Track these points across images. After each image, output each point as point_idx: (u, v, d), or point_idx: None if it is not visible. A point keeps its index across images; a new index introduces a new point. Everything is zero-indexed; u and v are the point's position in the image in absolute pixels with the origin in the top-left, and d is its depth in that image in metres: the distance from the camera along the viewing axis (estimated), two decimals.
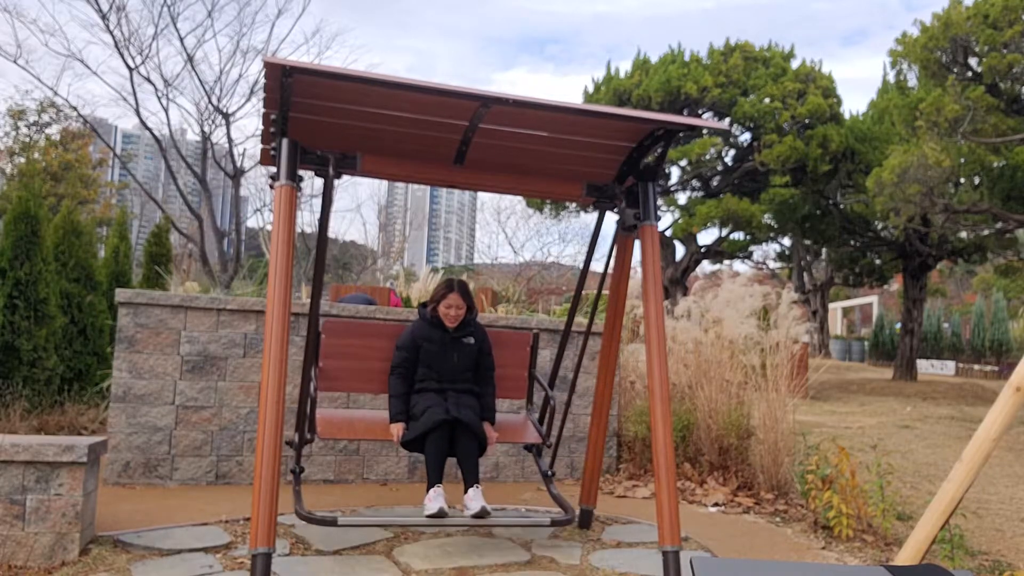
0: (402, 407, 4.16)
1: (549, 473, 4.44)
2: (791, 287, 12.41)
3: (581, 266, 4.88)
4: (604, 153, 3.88)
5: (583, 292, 4.64)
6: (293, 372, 5.36)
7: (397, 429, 4.09)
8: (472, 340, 4.32)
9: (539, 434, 4.47)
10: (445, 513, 3.73)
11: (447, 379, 4.21)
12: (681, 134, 7.01)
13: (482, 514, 3.78)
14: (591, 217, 24.99)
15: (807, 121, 18.78)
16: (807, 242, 23.68)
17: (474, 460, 4.03)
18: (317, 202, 20.69)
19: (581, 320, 6.41)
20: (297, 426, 4.21)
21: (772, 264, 32.69)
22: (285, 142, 3.37)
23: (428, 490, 3.85)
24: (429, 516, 3.72)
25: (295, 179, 3.36)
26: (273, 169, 3.39)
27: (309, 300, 4.94)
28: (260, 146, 3.60)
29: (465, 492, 3.92)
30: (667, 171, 20.55)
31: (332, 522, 3.64)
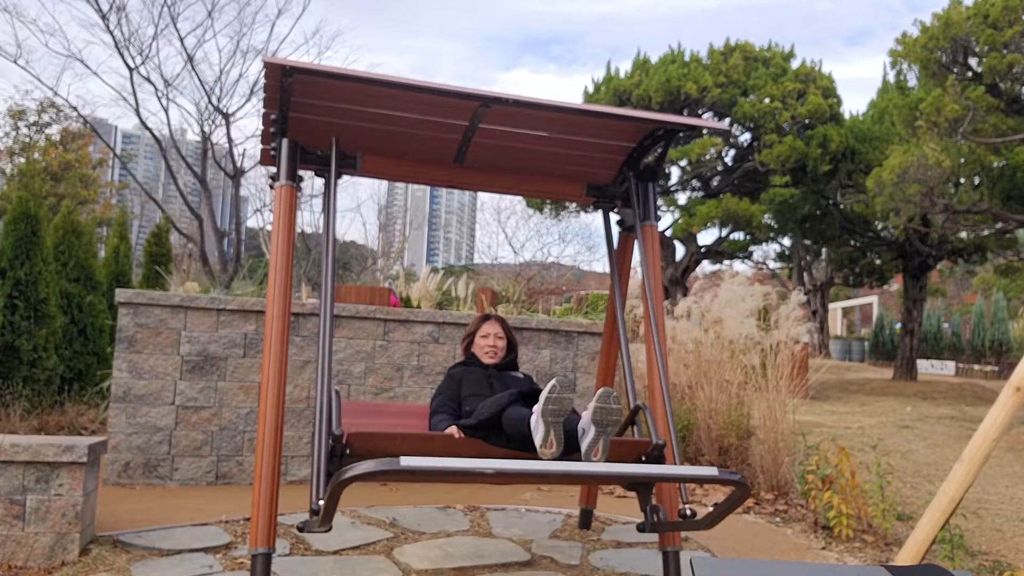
0: (451, 422, 3.34)
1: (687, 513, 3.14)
2: (800, 289, 12.40)
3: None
4: (604, 153, 3.89)
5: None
6: (293, 372, 5.36)
7: (454, 430, 3.19)
8: (521, 375, 3.67)
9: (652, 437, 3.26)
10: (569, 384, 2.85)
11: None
12: (681, 134, 7.01)
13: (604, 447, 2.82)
14: (591, 217, 25.03)
15: (807, 121, 18.78)
16: (807, 242, 23.67)
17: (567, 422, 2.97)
18: (317, 202, 20.73)
19: (582, 320, 6.41)
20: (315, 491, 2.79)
21: (772, 264, 32.66)
22: (285, 142, 3.37)
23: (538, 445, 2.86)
24: (546, 401, 2.82)
25: (295, 179, 3.37)
26: (273, 169, 3.40)
27: (309, 300, 4.86)
28: (260, 146, 3.60)
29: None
30: (667, 171, 20.55)
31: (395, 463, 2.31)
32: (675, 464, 3.17)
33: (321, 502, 2.57)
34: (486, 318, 3.82)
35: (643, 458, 3.18)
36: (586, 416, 2.88)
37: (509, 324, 3.88)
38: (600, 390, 2.85)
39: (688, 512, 3.08)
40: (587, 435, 2.86)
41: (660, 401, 3.42)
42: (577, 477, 2.97)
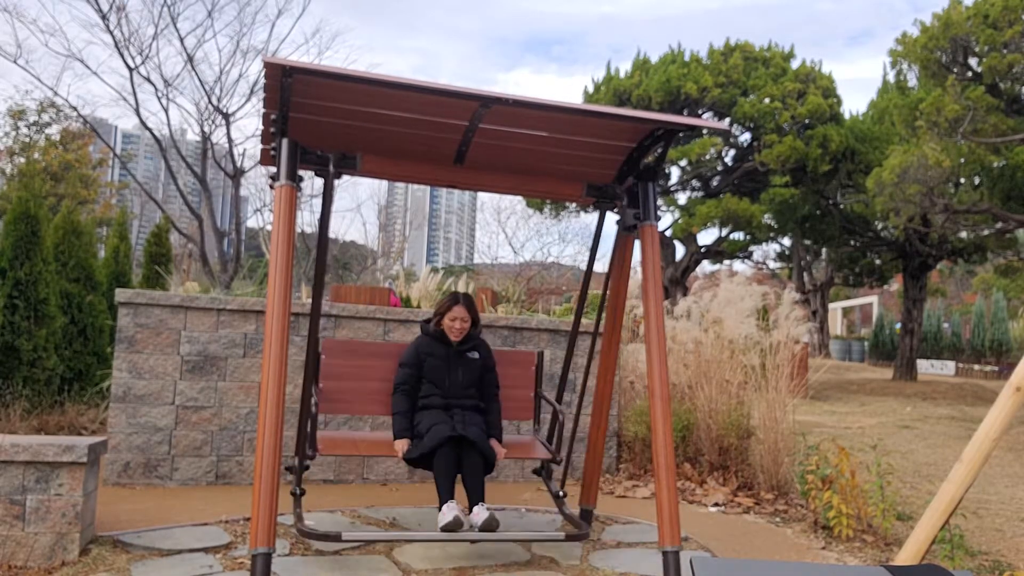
0: (406, 424, 4.09)
1: (560, 494, 4.39)
2: (792, 287, 12.42)
3: (581, 266, 4.87)
4: (604, 153, 3.88)
5: (588, 292, 4.58)
6: (293, 372, 5.36)
7: (401, 445, 4.01)
8: (477, 355, 4.27)
9: (548, 451, 4.37)
10: (460, 522, 3.65)
11: (452, 395, 4.14)
12: (681, 134, 7.01)
13: (490, 524, 3.70)
14: (591, 217, 25.01)
15: (807, 121, 18.79)
16: (807, 242, 23.68)
17: (480, 478, 3.93)
18: (317, 202, 20.70)
19: (582, 320, 6.40)
20: (297, 448, 4.08)
21: (772, 264, 32.67)
22: (285, 142, 3.37)
23: (440, 507, 3.78)
24: (444, 527, 3.64)
25: (295, 179, 3.36)
26: (273, 169, 3.39)
27: (310, 300, 4.93)
28: (260, 146, 3.60)
29: (470, 511, 3.83)
30: (667, 171, 20.55)
31: (336, 537, 3.56)
32: (561, 476, 4.48)
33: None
34: (456, 301, 4.24)
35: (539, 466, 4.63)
36: (477, 519, 3.73)
37: (473, 302, 4.32)
38: (487, 517, 3.69)
39: (560, 493, 4.41)
40: (473, 529, 3.73)
41: (659, 401, 3.42)
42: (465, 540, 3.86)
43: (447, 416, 4.04)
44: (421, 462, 3.97)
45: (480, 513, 3.74)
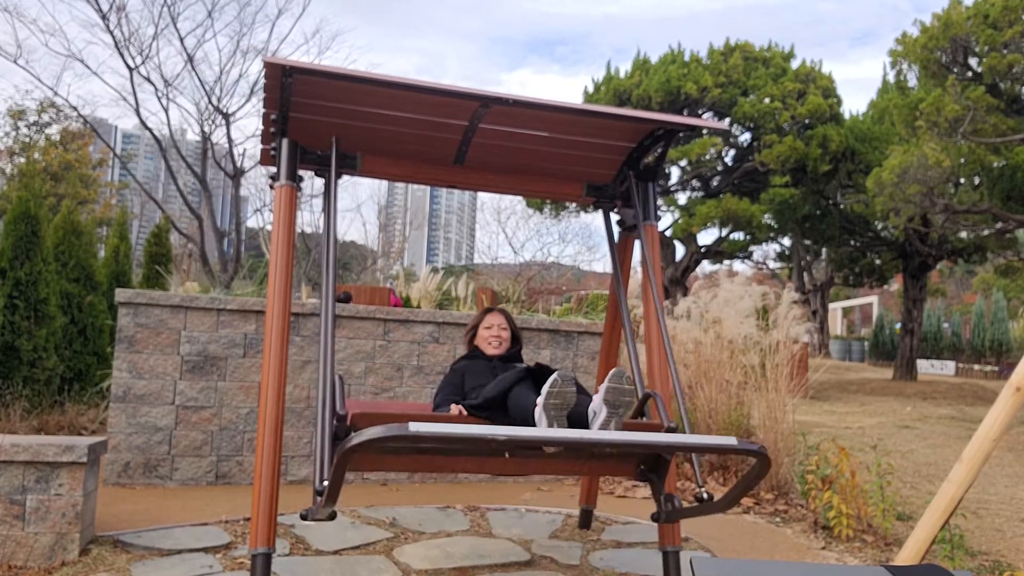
0: (452, 396, 3.32)
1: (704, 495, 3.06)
2: (791, 287, 12.41)
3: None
4: (604, 153, 3.89)
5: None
6: (293, 372, 5.36)
7: (456, 408, 3.14)
8: (527, 367, 3.35)
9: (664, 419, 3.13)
10: (570, 378, 2.77)
11: None
12: (681, 134, 7.01)
13: (618, 398, 2.75)
14: (591, 217, 25.04)
15: (807, 121, 18.79)
16: (807, 242, 23.68)
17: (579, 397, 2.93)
18: (317, 202, 20.72)
19: (582, 320, 6.41)
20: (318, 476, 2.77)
21: (772, 264, 32.68)
22: (285, 142, 3.37)
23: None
24: (549, 393, 2.75)
25: (295, 179, 3.37)
26: (273, 169, 3.39)
27: (309, 300, 4.88)
28: (260, 146, 3.60)
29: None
30: (667, 171, 20.55)
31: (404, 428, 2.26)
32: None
33: (326, 482, 2.53)
34: (489, 310, 3.77)
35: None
36: (597, 398, 2.82)
37: (513, 318, 3.80)
38: (612, 371, 2.78)
39: (705, 496, 2.99)
40: (599, 416, 2.79)
41: (667, 397, 3.41)
42: (591, 443, 2.84)
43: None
44: (490, 409, 3.05)
45: (599, 391, 2.82)
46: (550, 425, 2.77)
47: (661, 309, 3.56)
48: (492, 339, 3.61)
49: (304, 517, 2.77)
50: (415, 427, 2.20)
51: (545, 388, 2.77)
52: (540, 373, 3.08)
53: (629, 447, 2.96)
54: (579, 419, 2.90)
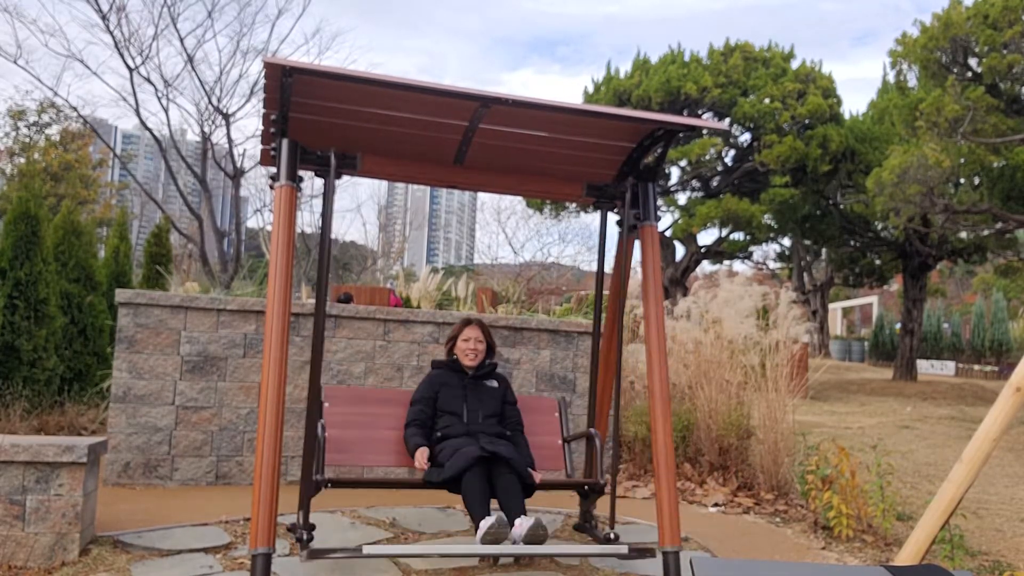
0: (423, 436, 3.81)
1: (612, 536, 3.64)
2: (790, 287, 12.42)
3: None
4: (604, 153, 3.88)
5: (603, 294, 4.43)
6: (293, 372, 5.36)
7: (422, 454, 3.68)
8: (495, 383, 4.05)
9: (594, 476, 3.92)
10: (505, 525, 3.24)
11: (472, 424, 3.86)
12: (681, 134, 7.01)
13: (536, 534, 3.27)
14: (591, 217, 25.03)
15: (807, 121, 18.79)
16: (807, 242, 23.68)
17: (519, 499, 3.53)
18: (317, 202, 20.74)
19: (582, 320, 6.41)
20: (303, 475, 3.44)
21: (772, 264, 32.68)
22: (285, 142, 3.37)
23: (477, 524, 3.36)
24: (485, 536, 3.22)
25: (295, 179, 3.36)
26: (273, 169, 3.39)
27: (309, 300, 4.89)
28: (260, 146, 3.60)
29: (511, 524, 3.37)
30: (667, 171, 20.55)
31: (358, 551, 3.15)
32: (612, 493, 3.77)
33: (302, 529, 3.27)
34: (468, 323, 4.12)
35: (583, 489, 4.05)
36: (518, 531, 3.32)
37: (488, 327, 4.15)
38: (533, 520, 3.32)
39: (611, 536, 3.64)
40: (516, 544, 3.34)
41: (659, 401, 3.42)
42: (511, 554, 3.53)
43: (473, 440, 3.73)
44: (447, 486, 3.60)
45: (523, 523, 3.31)
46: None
47: (660, 311, 3.56)
48: (469, 351, 4.05)
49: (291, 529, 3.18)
50: (368, 550, 3.18)
51: (483, 528, 3.24)
52: (492, 459, 3.62)
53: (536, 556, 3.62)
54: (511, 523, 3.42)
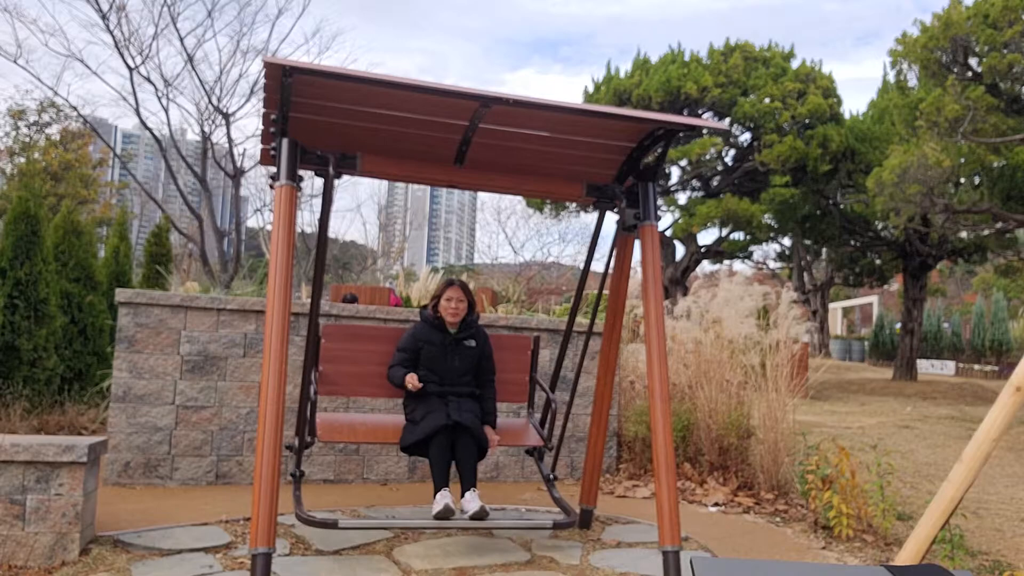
0: (405, 369, 4.20)
1: (551, 476, 4.45)
2: (790, 286, 12.42)
3: (581, 266, 4.89)
4: (604, 153, 3.88)
5: (584, 292, 4.64)
6: (293, 372, 5.36)
7: (412, 377, 4.09)
8: (474, 343, 4.32)
9: (540, 437, 4.49)
10: (452, 511, 3.74)
11: (448, 382, 4.22)
12: (681, 134, 7.02)
13: (480, 514, 3.79)
14: (591, 217, 25.00)
15: (807, 121, 18.78)
16: (807, 242, 23.68)
17: (472, 463, 4.05)
18: (317, 202, 20.67)
19: (582, 320, 6.41)
20: (297, 429, 4.16)
21: (772, 264, 32.69)
22: (285, 142, 3.37)
23: (435, 494, 3.88)
24: (436, 515, 3.75)
25: (295, 179, 3.36)
26: (273, 169, 3.39)
27: (309, 300, 4.93)
28: (260, 146, 3.60)
29: (462, 496, 3.92)
30: (667, 171, 20.55)
31: (332, 524, 3.67)
32: (552, 462, 4.58)
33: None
34: (450, 283, 4.34)
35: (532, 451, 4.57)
36: (469, 507, 3.83)
37: (468, 287, 4.37)
38: (479, 507, 3.79)
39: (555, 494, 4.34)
40: (464, 515, 3.83)
41: (659, 401, 3.42)
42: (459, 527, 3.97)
43: (442, 404, 4.12)
44: (417, 449, 4.09)
45: (471, 501, 3.85)
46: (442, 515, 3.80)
47: (660, 310, 3.56)
48: (450, 310, 4.25)
49: (300, 518, 3.21)
50: (344, 523, 3.75)
51: (435, 509, 3.79)
52: (456, 427, 4.03)
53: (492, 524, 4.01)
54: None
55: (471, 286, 9.63)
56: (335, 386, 4.40)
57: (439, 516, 3.75)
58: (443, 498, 3.80)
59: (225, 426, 5.32)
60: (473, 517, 3.78)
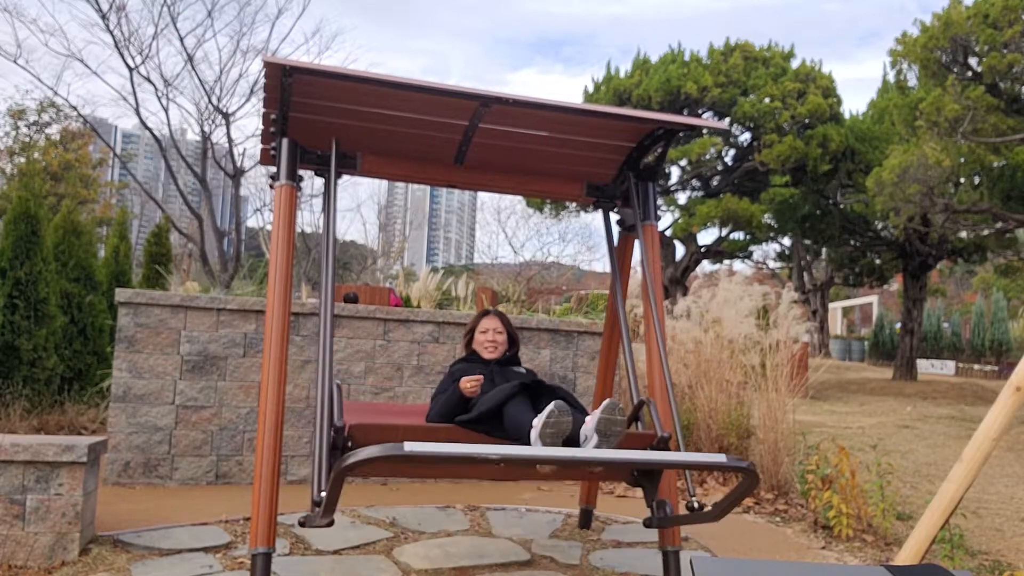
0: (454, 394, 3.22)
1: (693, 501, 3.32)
2: (791, 286, 12.41)
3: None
4: (604, 153, 3.88)
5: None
6: (293, 372, 5.36)
7: (467, 380, 3.16)
8: (524, 370, 3.57)
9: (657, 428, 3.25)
10: (566, 408, 2.80)
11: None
12: (681, 134, 7.01)
13: (612, 418, 2.80)
14: (591, 217, 25.03)
15: (807, 121, 18.78)
16: (807, 242, 23.69)
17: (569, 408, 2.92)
18: (317, 202, 20.71)
19: (582, 320, 6.42)
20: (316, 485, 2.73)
21: (772, 264, 32.69)
22: (285, 142, 3.37)
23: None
24: (543, 428, 2.77)
25: (295, 179, 3.36)
26: (273, 169, 3.39)
27: (309, 300, 4.87)
28: (260, 146, 3.60)
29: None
30: (667, 171, 20.56)
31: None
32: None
33: (323, 494, 2.53)
34: (485, 313, 3.74)
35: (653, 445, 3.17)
36: (589, 424, 2.87)
37: (509, 319, 3.79)
38: (606, 402, 2.83)
39: (696, 505, 3.10)
40: (590, 441, 2.86)
41: (663, 398, 3.42)
42: (583, 463, 2.79)
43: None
44: (483, 422, 3.04)
45: (592, 418, 2.89)
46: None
47: (660, 310, 3.56)
48: (488, 344, 3.60)
49: (302, 524, 2.79)
50: (410, 447, 2.22)
51: (542, 417, 2.79)
52: (536, 388, 3.12)
53: (620, 465, 3.01)
54: (572, 442, 2.90)
55: (471, 287, 9.65)
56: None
57: (548, 424, 2.76)
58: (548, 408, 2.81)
59: (225, 426, 5.32)
60: (600, 431, 2.81)
